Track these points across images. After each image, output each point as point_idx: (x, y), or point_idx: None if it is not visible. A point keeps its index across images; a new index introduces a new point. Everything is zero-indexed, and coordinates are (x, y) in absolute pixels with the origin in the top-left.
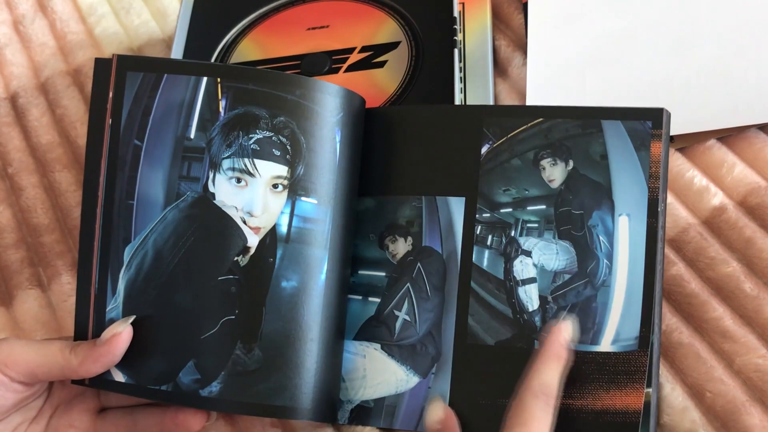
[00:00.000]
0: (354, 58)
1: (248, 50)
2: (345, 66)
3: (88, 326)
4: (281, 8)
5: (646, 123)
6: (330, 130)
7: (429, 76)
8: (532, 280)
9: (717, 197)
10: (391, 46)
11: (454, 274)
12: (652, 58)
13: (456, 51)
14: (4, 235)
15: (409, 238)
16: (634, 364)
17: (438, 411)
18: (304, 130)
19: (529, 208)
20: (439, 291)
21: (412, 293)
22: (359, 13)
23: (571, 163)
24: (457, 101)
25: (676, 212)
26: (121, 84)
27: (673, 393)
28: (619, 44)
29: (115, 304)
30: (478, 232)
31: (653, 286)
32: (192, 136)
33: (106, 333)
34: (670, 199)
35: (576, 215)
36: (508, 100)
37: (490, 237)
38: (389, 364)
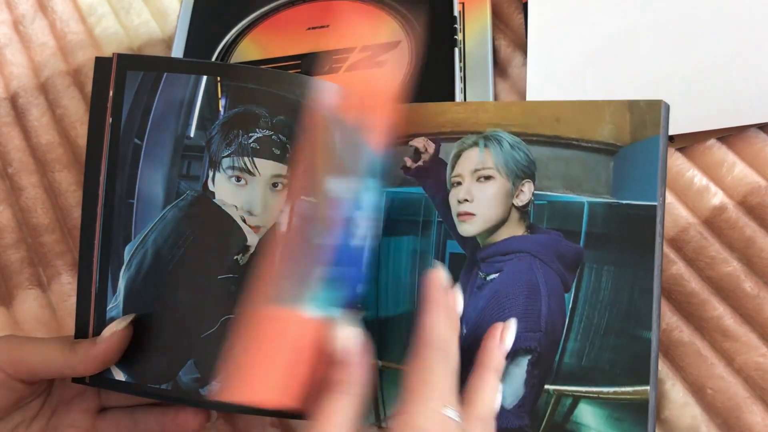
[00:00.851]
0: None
1: (248, 50)
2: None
3: (88, 325)
4: (281, 8)
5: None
6: None
7: (429, 76)
8: None
9: (717, 197)
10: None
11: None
12: (652, 58)
13: (456, 50)
14: (4, 235)
15: None
16: None
17: (349, 335)
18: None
19: None
20: None
21: None
22: (359, 12)
23: None
24: (458, 100)
25: (676, 212)
26: (121, 83)
27: (673, 389)
28: (619, 44)
29: (115, 303)
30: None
31: None
32: (192, 134)
33: (106, 331)
34: (670, 198)
35: None
36: (507, 99)
37: None
38: None
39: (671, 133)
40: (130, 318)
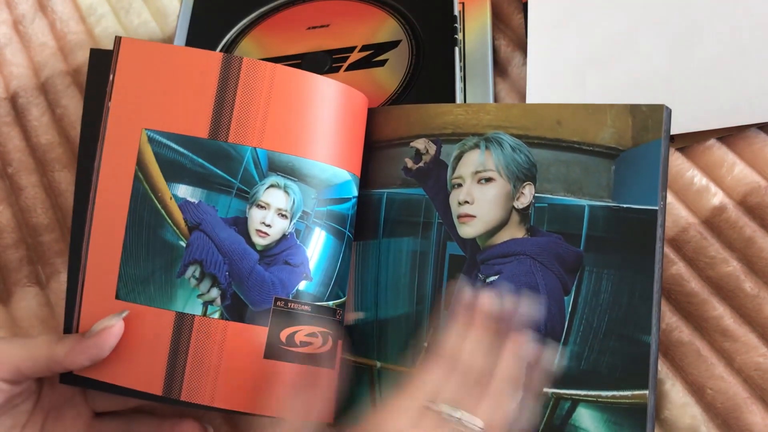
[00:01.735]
0: (354, 57)
1: (249, 49)
2: (345, 65)
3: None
4: (281, 7)
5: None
6: None
7: (429, 75)
8: None
9: (717, 197)
10: (391, 45)
11: None
12: (651, 58)
13: (456, 50)
14: (4, 235)
15: None
16: None
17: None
18: None
19: None
20: None
21: None
22: (359, 12)
23: None
24: (458, 100)
25: (676, 212)
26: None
27: (673, 389)
28: (619, 44)
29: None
30: None
31: None
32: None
33: (97, 325)
34: (670, 198)
35: None
36: (507, 99)
37: None
38: None
39: (671, 132)
40: (123, 314)
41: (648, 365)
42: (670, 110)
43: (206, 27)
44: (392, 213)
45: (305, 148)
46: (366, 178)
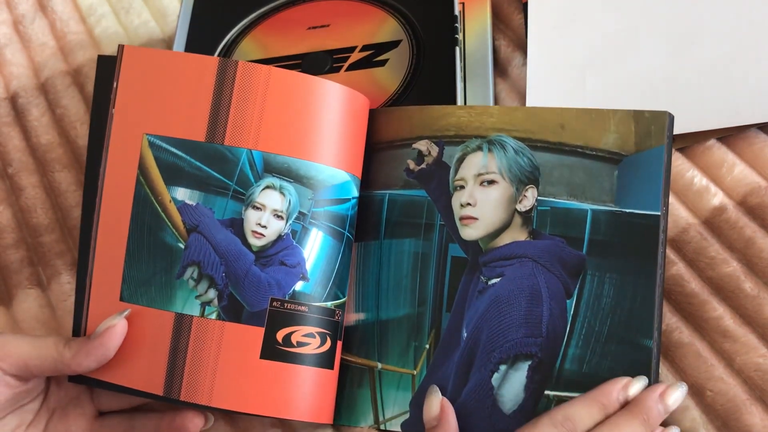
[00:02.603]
0: (355, 57)
1: (249, 50)
2: (346, 65)
3: (85, 322)
4: (282, 7)
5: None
6: None
7: (430, 75)
8: None
9: (717, 197)
10: (392, 45)
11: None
12: (652, 58)
13: (457, 50)
14: (4, 235)
15: None
16: None
17: (435, 405)
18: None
19: None
20: None
21: None
22: (360, 12)
23: None
24: (459, 100)
25: (676, 212)
26: None
27: None
28: (619, 44)
29: None
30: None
31: None
32: None
33: (101, 326)
34: (670, 199)
35: None
36: (508, 100)
37: None
38: None
39: None
40: (125, 313)
41: (650, 369)
42: (673, 117)
43: (206, 27)
44: (394, 214)
45: (301, 150)
46: (367, 179)
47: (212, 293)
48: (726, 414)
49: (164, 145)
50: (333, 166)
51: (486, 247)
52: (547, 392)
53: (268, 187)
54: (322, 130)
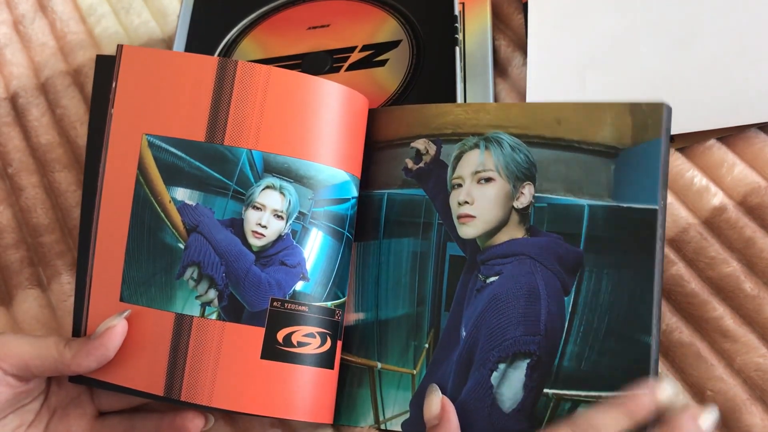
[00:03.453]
0: (355, 57)
1: (249, 50)
2: (346, 65)
3: (84, 322)
4: (282, 7)
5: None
6: None
7: (430, 75)
8: None
9: (717, 197)
10: (392, 45)
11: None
12: (652, 58)
13: (457, 50)
14: (4, 235)
15: None
16: None
17: (435, 404)
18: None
19: None
20: None
21: None
22: (360, 12)
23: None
24: (459, 100)
25: (676, 212)
26: None
27: None
28: (619, 44)
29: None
30: None
31: None
32: None
33: (101, 327)
34: (670, 199)
35: None
36: (508, 99)
37: None
38: None
39: (671, 133)
40: (125, 314)
41: (648, 366)
42: (671, 108)
43: (206, 27)
44: (393, 214)
45: (301, 149)
46: (367, 179)
47: (212, 293)
48: (726, 413)
49: (164, 145)
50: (332, 166)
51: (484, 246)
52: (546, 390)
53: (268, 187)
54: (321, 129)
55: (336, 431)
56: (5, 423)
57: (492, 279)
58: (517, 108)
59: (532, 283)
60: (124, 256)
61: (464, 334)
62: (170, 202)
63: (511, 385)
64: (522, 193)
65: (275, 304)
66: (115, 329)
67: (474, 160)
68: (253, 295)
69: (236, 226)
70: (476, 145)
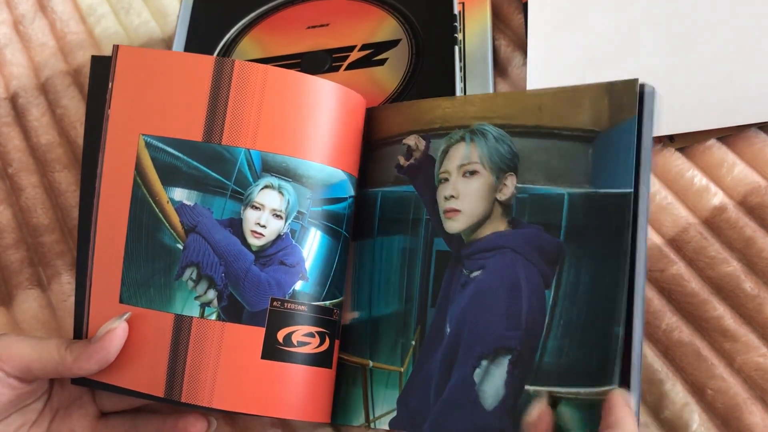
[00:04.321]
0: (354, 56)
1: (249, 49)
2: (345, 64)
3: (85, 324)
4: (281, 7)
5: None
6: None
7: (429, 75)
8: None
9: (717, 197)
10: (391, 44)
11: None
12: (652, 58)
13: (456, 49)
14: (4, 235)
15: None
16: None
17: (533, 410)
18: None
19: None
20: None
21: None
22: (359, 11)
23: None
24: None
25: (676, 212)
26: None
27: (673, 389)
28: (619, 44)
29: None
30: None
31: None
32: None
33: (102, 329)
34: (670, 198)
35: None
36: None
37: None
38: None
39: (671, 132)
40: (125, 316)
41: (615, 359)
42: (645, 85)
43: (206, 27)
44: (386, 211)
45: (299, 149)
46: (364, 178)
47: (212, 294)
48: (726, 413)
49: (161, 145)
50: (330, 165)
51: (468, 240)
52: (527, 387)
53: (266, 186)
54: (319, 129)
55: (335, 431)
56: (8, 422)
57: (475, 273)
58: (501, 98)
59: (513, 276)
60: (123, 258)
61: (449, 330)
62: (168, 202)
63: (493, 382)
64: (505, 184)
65: (275, 303)
66: (115, 332)
67: (460, 153)
68: (253, 295)
69: (235, 226)
70: (462, 138)
